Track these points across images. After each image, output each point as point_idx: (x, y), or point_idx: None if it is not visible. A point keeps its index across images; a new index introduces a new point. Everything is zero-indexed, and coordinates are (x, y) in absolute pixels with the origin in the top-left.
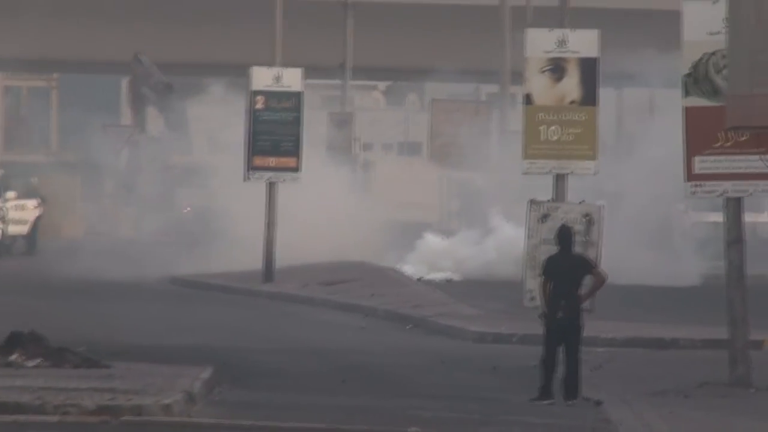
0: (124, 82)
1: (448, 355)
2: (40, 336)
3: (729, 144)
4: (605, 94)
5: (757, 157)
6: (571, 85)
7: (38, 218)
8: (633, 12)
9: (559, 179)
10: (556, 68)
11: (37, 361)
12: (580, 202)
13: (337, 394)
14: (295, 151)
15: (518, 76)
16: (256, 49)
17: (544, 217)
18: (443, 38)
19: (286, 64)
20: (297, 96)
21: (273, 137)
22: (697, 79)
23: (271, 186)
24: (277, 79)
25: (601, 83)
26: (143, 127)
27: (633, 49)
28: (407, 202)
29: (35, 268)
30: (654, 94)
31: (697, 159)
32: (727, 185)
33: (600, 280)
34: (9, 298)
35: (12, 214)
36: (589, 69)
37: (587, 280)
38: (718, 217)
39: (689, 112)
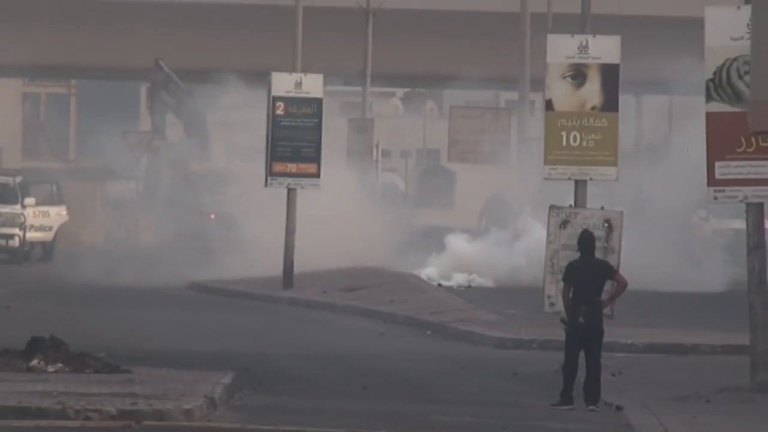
0: (144, 89)
1: (469, 361)
2: (60, 341)
3: (751, 149)
4: (625, 101)
5: None
6: (592, 91)
7: (63, 225)
8: (654, 19)
9: (580, 185)
10: (578, 74)
11: (58, 366)
12: (600, 208)
13: (357, 400)
14: (315, 157)
15: (537, 84)
16: (276, 56)
17: (564, 223)
18: (462, 45)
19: (306, 70)
20: (317, 102)
21: (293, 143)
22: (719, 85)
23: (290, 192)
24: (298, 85)
25: (621, 90)
26: (163, 134)
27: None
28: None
29: (55, 275)
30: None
31: (718, 164)
32: (748, 191)
33: (621, 286)
34: (29, 304)
35: (32, 221)
36: (610, 75)
37: (608, 286)
38: (740, 224)
39: (711, 118)
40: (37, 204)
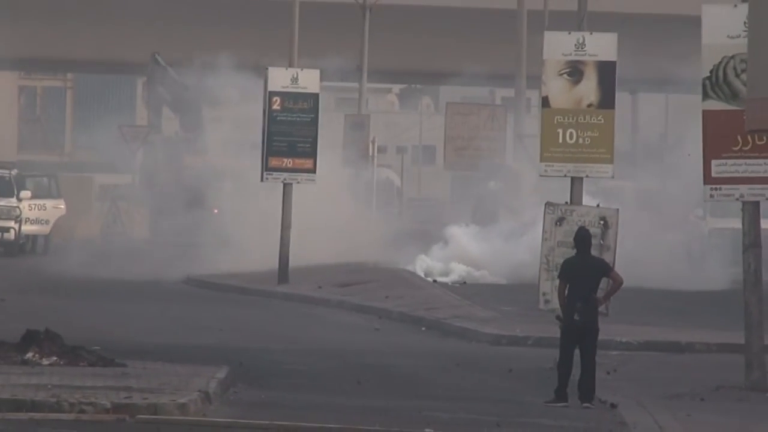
0: (140, 83)
1: (463, 357)
2: (55, 335)
3: (747, 148)
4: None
5: None
6: (588, 89)
7: (60, 218)
8: (651, 16)
9: (575, 182)
10: (574, 71)
11: (53, 359)
12: (596, 206)
13: (352, 395)
14: (311, 152)
15: (534, 80)
16: (272, 51)
17: (560, 220)
18: (459, 42)
19: (303, 65)
20: (314, 97)
21: (289, 138)
22: (716, 83)
23: (286, 187)
24: (294, 80)
25: (617, 87)
26: (159, 128)
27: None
28: None
29: (50, 268)
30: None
31: (714, 162)
32: (744, 189)
33: (617, 283)
34: (25, 297)
35: (29, 214)
36: (607, 72)
37: (604, 284)
38: (736, 223)
39: (708, 116)
40: (34, 197)
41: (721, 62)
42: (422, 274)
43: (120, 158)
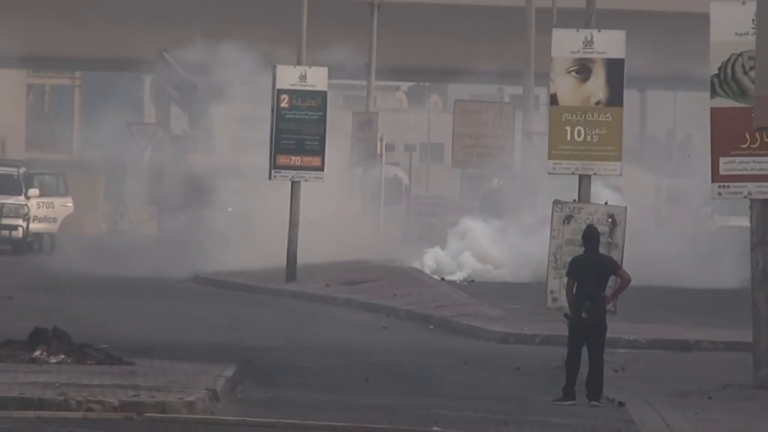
0: (148, 80)
1: (471, 355)
2: (63, 333)
3: (756, 145)
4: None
5: None
6: (596, 86)
7: (68, 216)
8: (660, 14)
9: (584, 180)
10: (582, 69)
11: (60, 357)
12: (604, 203)
13: (360, 393)
14: (319, 150)
15: (542, 78)
16: (280, 48)
17: (568, 218)
18: (467, 39)
19: (311, 63)
20: (322, 95)
21: (297, 136)
22: (724, 80)
23: (294, 185)
24: (302, 77)
25: (626, 84)
26: (167, 126)
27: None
28: None
29: (58, 266)
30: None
31: (722, 160)
32: (752, 186)
33: (625, 281)
34: (32, 295)
35: (37, 212)
36: (615, 70)
37: (612, 282)
38: (744, 221)
39: (716, 113)
40: (42, 195)
41: (729, 59)
42: (430, 271)
43: (128, 156)
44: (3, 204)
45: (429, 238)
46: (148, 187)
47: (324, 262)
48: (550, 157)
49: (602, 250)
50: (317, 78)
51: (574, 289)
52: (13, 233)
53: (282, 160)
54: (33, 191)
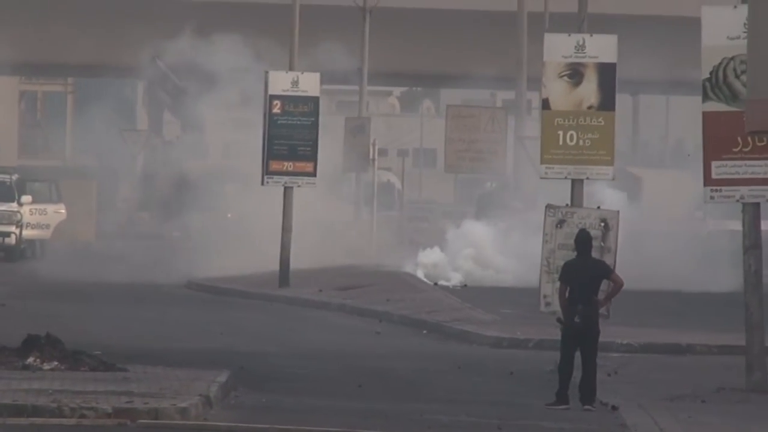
0: (141, 87)
1: (465, 360)
2: (56, 339)
3: (748, 149)
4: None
5: None
6: (588, 90)
7: (61, 223)
8: (651, 18)
9: (576, 184)
10: (574, 73)
11: (54, 364)
12: (597, 208)
13: (353, 399)
14: (312, 155)
15: (534, 83)
16: (272, 54)
17: (561, 223)
18: (459, 44)
19: (303, 69)
20: (314, 101)
21: (290, 142)
22: (716, 84)
23: (287, 191)
24: (295, 83)
25: (618, 89)
26: (159, 132)
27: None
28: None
29: (51, 272)
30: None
31: (715, 164)
32: (745, 190)
33: (618, 286)
34: (25, 302)
35: (30, 219)
36: (607, 74)
37: (604, 286)
38: (736, 225)
39: (708, 117)
40: (35, 202)
41: (721, 63)
42: (425, 273)
43: (121, 162)
44: None
45: (421, 242)
46: (140, 193)
47: (317, 268)
48: (542, 162)
49: (595, 254)
50: (309, 83)
51: (567, 294)
52: (6, 240)
53: (274, 165)
54: (26, 198)
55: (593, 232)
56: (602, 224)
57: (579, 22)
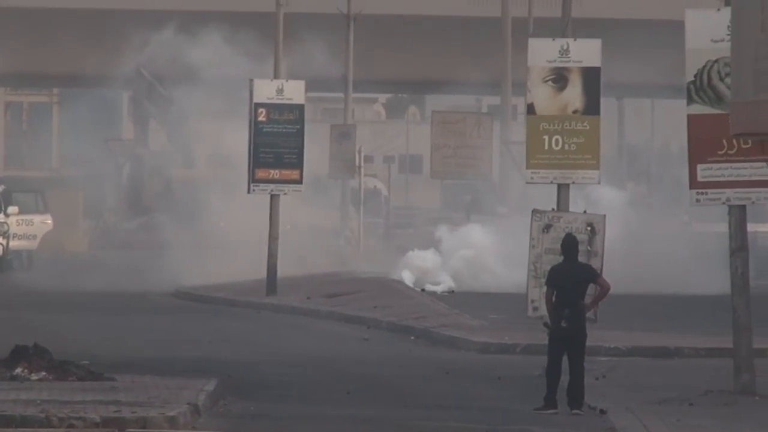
0: (126, 97)
1: (453, 366)
2: (44, 349)
3: (733, 151)
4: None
5: (760, 164)
6: (573, 95)
7: (48, 233)
8: (635, 22)
9: (562, 189)
10: (559, 78)
11: (42, 374)
12: (583, 212)
13: (342, 405)
14: (298, 163)
15: (519, 88)
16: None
17: (547, 227)
18: (444, 50)
19: (288, 76)
20: (299, 108)
21: (276, 150)
22: (700, 87)
23: (273, 199)
24: (280, 91)
25: (602, 93)
26: (145, 141)
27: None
28: None
29: (38, 283)
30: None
31: (700, 167)
32: (730, 193)
33: (604, 289)
34: (13, 312)
35: (16, 229)
36: (591, 78)
37: (591, 290)
38: (721, 227)
39: (693, 120)
40: (22, 213)
41: (705, 66)
42: (412, 281)
43: (107, 172)
44: None
45: (409, 248)
46: (127, 202)
47: (304, 275)
48: (528, 167)
49: (581, 258)
50: (294, 91)
51: (554, 298)
52: None
53: (260, 173)
54: (12, 209)
55: (580, 237)
56: (589, 228)
57: (563, 26)
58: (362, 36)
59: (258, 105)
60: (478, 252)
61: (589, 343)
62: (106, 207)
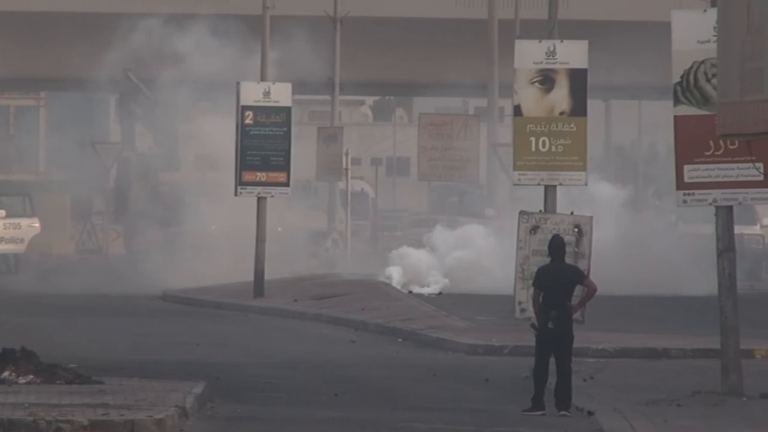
0: (113, 100)
1: (440, 368)
2: (31, 353)
3: (720, 152)
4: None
5: (746, 165)
6: (560, 97)
7: (35, 237)
8: (621, 23)
9: (549, 190)
10: (546, 79)
11: (29, 377)
12: (570, 213)
13: (329, 407)
14: (285, 165)
15: (506, 90)
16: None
17: (534, 229)
18: (431, 52)
19: (274, 78)
20: (286, 111)
21: (263, 152)
22: (687, 88)
23: (260, 201)
24: (266, 94)
25: (589, 94)
26: (132, 144)
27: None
28: None
29: (26, 286)
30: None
31: (687, 168)
32: (717, 194)
33: (591, 291)
34: (0, 316)
35: (3, 233)
36: (578, 80)
37: (578, 291)
38: (709, 229)
39: (679, 121)
40: (9, 216)
41: (691, 67)
42: (401, 283)
43: (94, 175)
44: None
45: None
46: (114, 205)
47: (291, 277)
48: (515, 168)
49: (569, 259)
50: (281, 94)
51: (541, 299)
52: None
53: (247, 176)
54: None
55: (567, 238)
56: (576, 230)
57: (549, 28)
58: (348, 38)
59: (245, 107)
60: (471, 252)
61: (576, 344)
62: (94, 210)
